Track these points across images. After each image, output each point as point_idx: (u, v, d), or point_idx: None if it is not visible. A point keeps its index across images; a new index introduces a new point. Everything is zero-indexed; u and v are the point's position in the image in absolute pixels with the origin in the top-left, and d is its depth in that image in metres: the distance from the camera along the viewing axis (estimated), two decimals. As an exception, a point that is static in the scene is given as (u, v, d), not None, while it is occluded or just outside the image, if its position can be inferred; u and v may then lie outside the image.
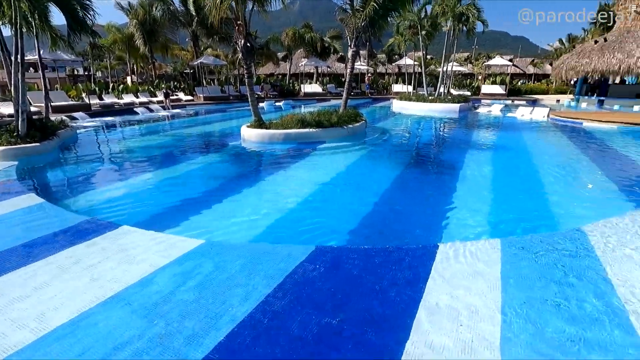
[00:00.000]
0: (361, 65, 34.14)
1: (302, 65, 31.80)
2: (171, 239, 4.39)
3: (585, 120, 15.22)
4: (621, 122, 14.51)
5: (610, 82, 27.09)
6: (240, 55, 10.34)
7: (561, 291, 3.38)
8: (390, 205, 5.94)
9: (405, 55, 30.76)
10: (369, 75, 37.55)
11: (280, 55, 40.56)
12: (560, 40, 42.60)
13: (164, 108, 21.21)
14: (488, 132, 14.03)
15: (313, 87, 31.91)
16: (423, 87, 23.16)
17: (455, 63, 31.94)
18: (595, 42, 24.76)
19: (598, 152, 10.26)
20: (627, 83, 28.47)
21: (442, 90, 22.85)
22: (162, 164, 8.91)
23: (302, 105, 22.86)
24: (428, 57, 40.71)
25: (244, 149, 10.37)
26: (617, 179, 7.41)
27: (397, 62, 34.27)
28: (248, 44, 9.95)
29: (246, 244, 4.31)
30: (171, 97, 23.21)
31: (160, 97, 23.26)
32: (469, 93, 30.01)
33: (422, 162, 9.28)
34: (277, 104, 24.55)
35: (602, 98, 24.99)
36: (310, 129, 10.85)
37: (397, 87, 32.62)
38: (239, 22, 9.73)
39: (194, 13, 24.42)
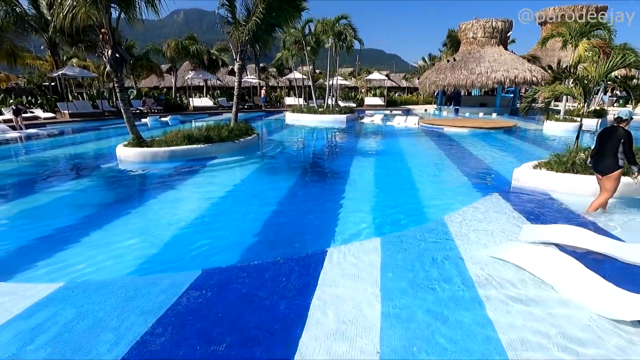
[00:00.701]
0: (252, 79, 34.15)
1: (188, 78, 30.15)
2: (17, 288, 3.60)
3: (446, 126, 18.10)
4: (471, 126, 17.69)
5: (462, 93, 32.79)
6: (108, 66, 9.22)
7: (429, 276, 3.86)
8: (284, 216, 6.00)
9: (295, 69, 31.95)
10: (264, 88, 37.84)
11: (164, 67, 37.80)
12: (424, 59, 49.92)
13: (14, 128, 17.56)
14: (371, 139, 15.46)
15: (203, 101, 30.54)
16: (313, 99, 24.34)
17: (340, 77, 34.50)
18: (447, 61, 29.75)
19: (455, 151, 12.25)
20: (473, 94, 34.87)
21: (330, 102, 24.37)
22: (11, 196, 7.31)
23: (193, 120, 21.63)
24: (316, 71, 43.08)
25: (122, 171, 9.24)
26: (469, 173, 8.94)
27: (287, 76, 35.32)
28: (117, 55, 8.95)
29: (119, 279, 3.80)
30: (24, 115, 19.36)
31: (8, 115, 19.21)
32: (354, 104, 32.70)
33: (314, 171, 9.67)
34: (163, 119, 22.69)
35: (457, 107, 30.08)
36: (199, 145, 10.31)
37: (290, 100, 33.58)
38: (102, 30, 8.69)
39: (49, 17, 20.97)
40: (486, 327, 3.01)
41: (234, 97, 12.83)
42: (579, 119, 8.18)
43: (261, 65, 43.50)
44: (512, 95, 31.26)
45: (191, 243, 4.88)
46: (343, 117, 21.54)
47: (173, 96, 31.07)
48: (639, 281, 3.74)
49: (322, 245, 4.66)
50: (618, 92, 33.20)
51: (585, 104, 8.14)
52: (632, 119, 5.61)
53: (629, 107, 7.72)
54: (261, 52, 33.36)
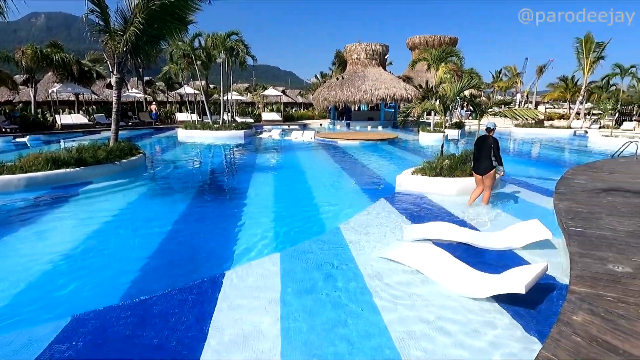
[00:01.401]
0: (136, 93, 31.07)
1: (53, 91, 25.79)
2: None
3: (339, 139, 19.38)
4: (361, 139, 19.30)
5: (352, 109, 35.62)
6: None
7: (327, 284, 4.00)
8: (177, 241, 5.52)
9: (186, 83, 30.29)
10: (153, 103, 34.75)
11: (19, 78, 31.58)
12: (316, 76, 52.86)
13: None
14: (270, 154, 15.56)
15: (75, 118, 26.42)
16: (207, 115, 23.38)
17: (235, 93, 33.97)
18: (337, 79, 32.06)
19: (348, 162, 13.18)
20: (361, 110, 38.22)
21: (226, 117, 23.75)
22: None
23: (62, 140, 18.53)
24: (211, 86, 41.58)
25: (-45, 207, 7.31)
26: (361, 181, 9.70)
27: (178, 91, 33.20)
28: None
29: (-53, 348, 2.95)
30: None
31: None
32: (252, 120, 32.51)
33: (211, 189, 9.22)
34: (20, 140, 18.88)
35: (348, 121, 32.54)
36: (68, 169, 8.84)
37: (182, 116, 31.58)
38: None
39: None
40: (378, 324, 3.25)
41: (113, 114, 11.45)
42: (444, 129, 9.71)
43: (146, 78, 39.97)
44: (393, 110, 35.26)
45: (58, 286, 4.10)
46: (240, 132, 21.20)
47: (33, 112, 26.14)
48: (490, 262, 4.54)
49: (220, 268, 4.43)
50: (471, 108, 40.65)
51: (447, 118, 9.67)
52: (495, 128, 7.05)
53: (493, 120, 9.48)
54: (144, 65, 30.72)
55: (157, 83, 40.35)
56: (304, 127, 30.11)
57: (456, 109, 31.86)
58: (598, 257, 4.10)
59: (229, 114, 25.30)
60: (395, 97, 28.89)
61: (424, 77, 33.60)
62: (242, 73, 29.15)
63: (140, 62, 13.01)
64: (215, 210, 7.25)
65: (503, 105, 10.99)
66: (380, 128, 29.41)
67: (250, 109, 39.27)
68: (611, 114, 25.24)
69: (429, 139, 20.39)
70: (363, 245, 5.11)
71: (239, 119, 29.51)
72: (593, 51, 29.82)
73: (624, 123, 30.17)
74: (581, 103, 34.27)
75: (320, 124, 34.82)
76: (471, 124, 30.18)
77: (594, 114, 35.93)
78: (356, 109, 36.13)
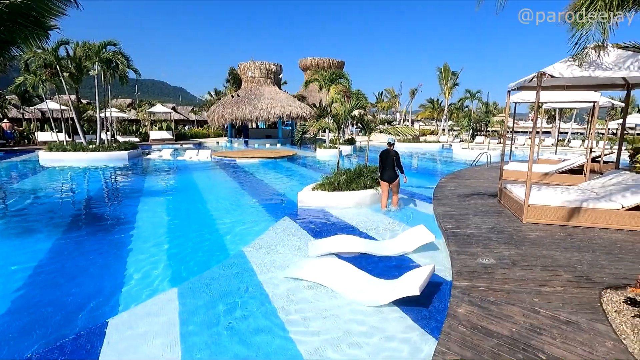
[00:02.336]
0: (-23, 108, 25.05)
1: None
2: None
3: (238, 157, 18.89)
4: (260, 157, 19.17)
5: (249, 127, 35.28)
6: None
7: (234, 313, 3.74)
8: (40, 290, 4.49)
9: (50, 97, 25.71)
10: (5, 121, 28.46)
11: None
12: (210, 93, 50.91)
13: None
14: (161, 176, 14.17)
15: None
16: (80, 134, 20.19)
17: (115, 109, 30.34)
18: (232, 96, 31.47)
19: (249, 181, 12.89)
20: (259, 127, 38.17)
21: (105, 137, 20.90)
22: None
23: None
24: (83, 101, 36.17)
25: None
26: (263, 200, 9.55)
27: (38, 106, 27.91)
28: None
29: None
30: None
31: None
32: (137, 139, 29.37)
33: (87, 222, 7.85)
34: None
35: (247, 139, 32.08)
36: None
37: (45, 136, 26.64)
38: None
39: None
40: (289, 347, 3.15)
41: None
42: (338, 146, 10.32)
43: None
44: (290, 127, 36.18)
45: None
46: (124, 153, 18.88)
47: None
48: (388, 269, 4.91)
49: (102, 316, 3.74)
50: (360, 125, 44.50)
51: (340, 135, 10.32)
52: (395, 143, 8.32)
53: (380, 135, 10.38)
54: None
55: (7, 97, 33.28)
56: (199, 146, 28.53)
57: (347, 126, 34.46)
58: (470, 253, 4.81)
59: (108, 133, 22.35)
60: (291, 115, 29.72)
61: (317, 96, 35.47)
62: (123, 87, 26.18)
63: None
64: (93, 245, 6.18)
65: (387, 124, 12.29)
66: (279, 145, 29.78)
67: (135, 127, 35.47)
68: (467, 130, 30.67)
69: (325, 155, 21.44)
70: (269, 266, 4.98)
71: (121, 139, 26.33)
72: (450, 79, 36.01)
73: (476, 137, 36.94)
74: (445, 121, 40.82)
75: (217, 142, 33.53)
76: (361, 140, 32.96)
77: (455, 130, 43.10)
78: (254, 127, 35.95)
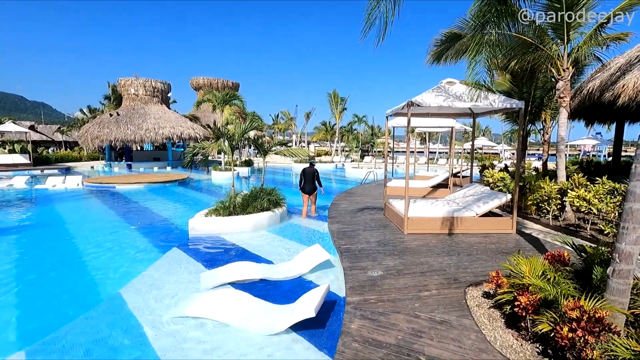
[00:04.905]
0: None
1: None
2: None
3: (117, 184, 16.66)
4: (146, 182, 17.27)
5: (133, 148, 31.69)
6: None
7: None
8: None
9: None
10: None
11: None
12: (82, 110, 44.29)
13: None
14: (10, 211, 11.47)
15: None
16: None
17: (-58, 127, 23.89)
18: (110, 115, 27.99)
19: (132, 211, 11.41)
20: (145, 149, 34.65)
21: None
22: None
23: None
24: None
25: None
26: (148, 232, 8.51)
27: None
28: None
29: None
30: None
31: None
32: (-24, 165, 23.48)
33: None
34: None
35: (130, 162, 28.66)
36: None
37: None
38: None
39: None
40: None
41: None
42: (235, 168, 9.99)
43: None
44: (182, 149, 33.81)
45: None
46: (-47, 183, 14.79)
47: None
48: (286, 292, 4.83)
49: None
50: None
51: (236, 157, 10.03)
52: (315, 163, 9.49)
53: (275, 157, 10.31)
54: None
55: None
56: (67, 171, 24.37)
57: (244, 147, 33.94)
58: (361, 267, 5.08)
59: None
60: (182, 136, 27.86)
61: (210, 117, 34.16)
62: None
63: None
64: None
65: (283, 145, 12.49)
66: (169, 169, 27.45)
67: (-28, 150, 28.34)
68: (356, 151, 33.40)
69: (221, 178, 20.56)
70: (152, 307, 4.39)
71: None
72: (339, 104, 39.01)
73: (365, 157, 40.51)
74: (337, 142, 43.77)
75: (92, 167, 29.15)
76: (259, 161, 32.80)
77: (346, 151, 46.52)
78: (138, 149, 32.47)
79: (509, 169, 15.31)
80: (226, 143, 10.05)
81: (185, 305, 4.25)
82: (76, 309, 4.51)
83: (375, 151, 46.59)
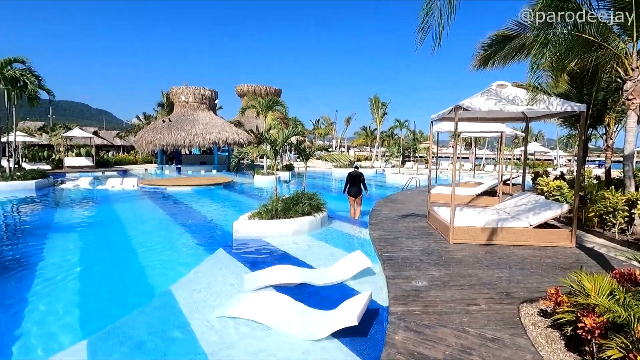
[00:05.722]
0: None
1: None
2: None
3: (168, 185, 17.69)
4: (193, 184, 18.18)
5: (183, 152, 33.57)
6: None
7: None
8: None
9: None
10: None
11: None
12: (138, 117, 47.74)
13: None
14: (76, 209, 12.61)
15: None
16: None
17: (22, 133, 26.90)
18: (163, 121, 29.88)
19: (181, 211, 12.06)
20: (193, 153, 36.55)
21: (6, 164, 18.18)
22: None
23: None
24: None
25: None
26: (196, 233, 8.93)
27: None
28: None
29: None
30: None
31: None
32: (48, 166, 26.11)
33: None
34: None
35: (179, 166, 30.38)
36: None
37: None
38: None
39: None
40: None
41: None
42: (277, 173, 10.23)
43: None
44: (227, 153, 35.22)
45: None
46: (30, 183, 16.57)
47: None
48: (327, 298, 4.81)
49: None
50: (298, 152, 45.11)
51: (278, 161, 10.26)
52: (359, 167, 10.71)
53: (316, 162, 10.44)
54: None
55: None
56: (124, 174, 26.30)
57: (285, 152, 34.66)
58: (405, 277, 4.94)
59: (11, 160, 19.51)
60: (227, 141, 29.04)
61: (254, 122, 35.31)
62: (32, 109, 23.39)
63: None
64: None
65: (324, 150, 12.59)
66: (214, 172, 28.68)
67: (46, 153, 31.58)
68: (397, 156, 32.78)
69: (263, 181, 21.11)
70: (199, 306, 4.57)
71: (28, 166, 23.21)
72: (380, 108, 38.59)
73: (406, 163, 39.62)
74: (377, 148, 43.27)
75: (146, 169, 31.23)
76: (299, 166, 33.26)
77: (386, 156, 45.82)
78: (187, 153, 34.29)
79: (565, 176, 14.21)
80: (269, 148, 10.32)
81: (230, 306, 4.38)
82: (132, 301, 4.82)
83: (417, 157, 45.43)
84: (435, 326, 3.57)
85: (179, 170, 29.28)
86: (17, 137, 22.77)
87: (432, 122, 8.65)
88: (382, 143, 45.52)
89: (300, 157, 11.12)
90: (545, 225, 7.02)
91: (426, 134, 53.34)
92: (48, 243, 7.88)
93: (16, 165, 20.14)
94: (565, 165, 38.02)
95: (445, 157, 55.60)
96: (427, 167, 34.84)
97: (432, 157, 12.02)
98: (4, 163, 18.05)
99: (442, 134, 15.70)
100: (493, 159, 48.06)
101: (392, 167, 35.43)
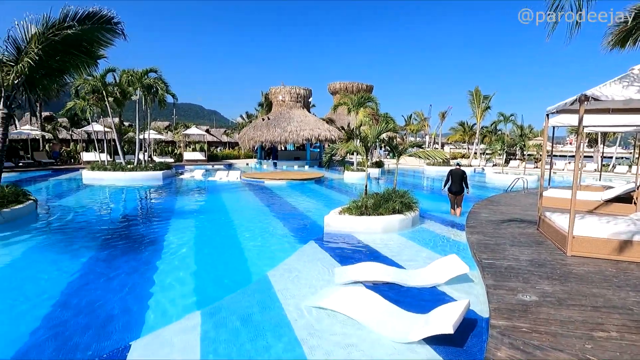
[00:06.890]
0: (31, 130, 27.26)
1: None
2: None
3: (266, 179, 19.15)
4: (287, 178, 19.33)
5: (278, 148, 35.97)
6: None
7: (256, 341, 3.59)
8: (70, 306, 4.57)
9: (96, 120, 27.62)
10: (53, 142, 30.86)
11: None
12: (242, 116, 52.76)
13: None
14: (191, 196, 14.56)
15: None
16: (120, 155, 21.37)
17: (153, 131, 31.99)
18: (262, 119, 32.37)
19: (276, 203, 12.95)
20: (288, 149, 38.84)
21: (142, 157, 21.96)
22: None
23: None
24: (125, 123, 38.55)
25: None
26: (289, 224, 9.48)
27: (85, 128, 30.01)
28: None
29: None
30: None
31: None
32: (172, 160, 30.64)
33: (120, 240, 8.06)
34: None
35: (275, 161, 32.63)
36: None
37: (89, 156, 28.40)
38: None
39: None
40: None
41: (-5, 154, 9.66)
42: (366, 169, 10.20)
43: (46, 114, 35.61)
44: (318, 149, 36.49)
45: None
46: (159, 173, 19.68)
47: None
48: (418, 301, 4.61)
49: (125, 338, 3.73)
50: (388, 148, 44.18)
51: (368, 158, 10.20)
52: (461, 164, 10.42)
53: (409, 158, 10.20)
54: (41, 99, 27.65)
55: (59, 119, 36.09)
56: (230, 167, 29.30)
57: (376, 149, 34.27)
58: (509, 288, 4.44)
59: (146, 154, 23.48)
60: (319, 137, 30.03)
61: (345, 119, 35.79)
62: (161, 111, 27.73)
63: (37, 96, 11.49)
64: (123, 264, 6.31)
65: (417, 147, 12.08)
66: (306, 167, 30.00)
67: (170, 149, 37.13)
68: (500, 154, 29.59)
69: (353, 178, 21.28)
70: (293, 293, 4.83)
71: (157, 159, 27.59)
72: (482, 102, 35.27)
73: (510, 161, 35.52)
74: (477, 144, 39.71)
75: (247, 164, 34.31)
76: (390, 163, 32.59)
77: (487, 154, 41.75)
78: (283, 149, 36.57)
79: None
80: (360, 144, 10.33)
81: (321, 296, 4.53)
82: (236, 283, 5.36)
83: (524, 155, 40.37)
84: (548, 349, 3.12)
85: (275, 165, 31.41)
86: (150, 134, 27.22)
87: (547, 114, 7.55)
88: (482, 139, 41.66)
89: (391, 154, 10.87)
90: None
91: (536, 129, 46.94)
92: (170, 225, 9.26)
93: (149, 158, 24.15)
94: None
95: (561, 155, 48.13)
96: (536, 167, 30.65)
97: (547, 155, 10.48)
98: (140, 156, 21.79)
99: (558, 129, 13.58)
100: (627, 158, 39.88)
101: (493, 165, 32.17)
